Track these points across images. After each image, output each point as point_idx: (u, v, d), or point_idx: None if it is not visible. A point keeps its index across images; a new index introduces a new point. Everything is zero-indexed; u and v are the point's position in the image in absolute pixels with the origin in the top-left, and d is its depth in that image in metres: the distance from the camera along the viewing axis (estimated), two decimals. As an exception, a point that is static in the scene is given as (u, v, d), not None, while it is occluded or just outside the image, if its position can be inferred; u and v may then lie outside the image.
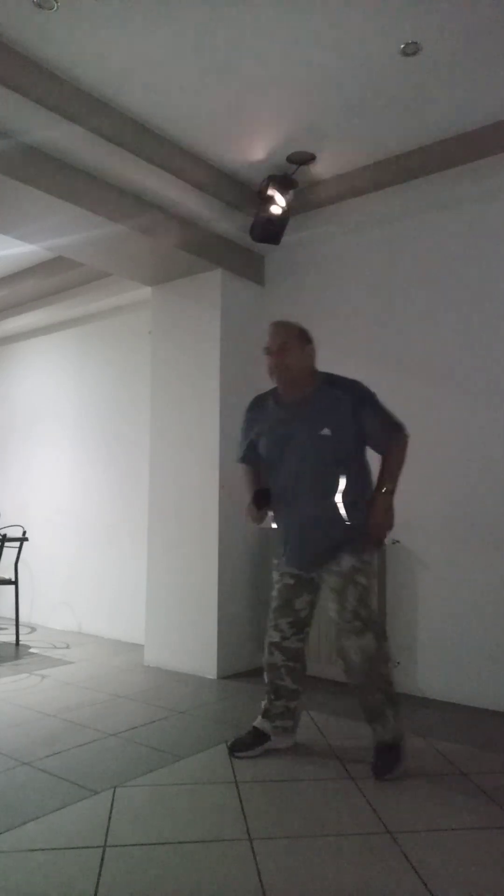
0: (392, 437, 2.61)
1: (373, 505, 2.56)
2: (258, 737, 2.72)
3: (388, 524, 2.57)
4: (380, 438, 2.61)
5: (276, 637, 2.70)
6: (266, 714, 2.75)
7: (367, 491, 2.61)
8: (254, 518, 2.75)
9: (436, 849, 1.96)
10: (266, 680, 2.75)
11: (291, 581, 2.68)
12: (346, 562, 2.53)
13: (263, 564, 4.11)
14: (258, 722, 2.76)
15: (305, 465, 2.58)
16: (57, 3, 2.53)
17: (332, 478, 2.56)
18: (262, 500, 2.69)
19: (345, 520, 2.54)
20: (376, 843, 2.00)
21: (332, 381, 2.66)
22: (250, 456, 2.79)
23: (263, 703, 2.78)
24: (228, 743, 2.74)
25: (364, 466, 2.65)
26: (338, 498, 2.55)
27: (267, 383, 2.78)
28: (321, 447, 2.56)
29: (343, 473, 2.56)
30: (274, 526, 2.78)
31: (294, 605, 2.68)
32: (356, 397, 2.60)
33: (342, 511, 2.55)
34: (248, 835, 2.04)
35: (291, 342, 2.64)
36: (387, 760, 2.49)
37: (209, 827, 2.10)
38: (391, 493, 2.57)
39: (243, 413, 2.85)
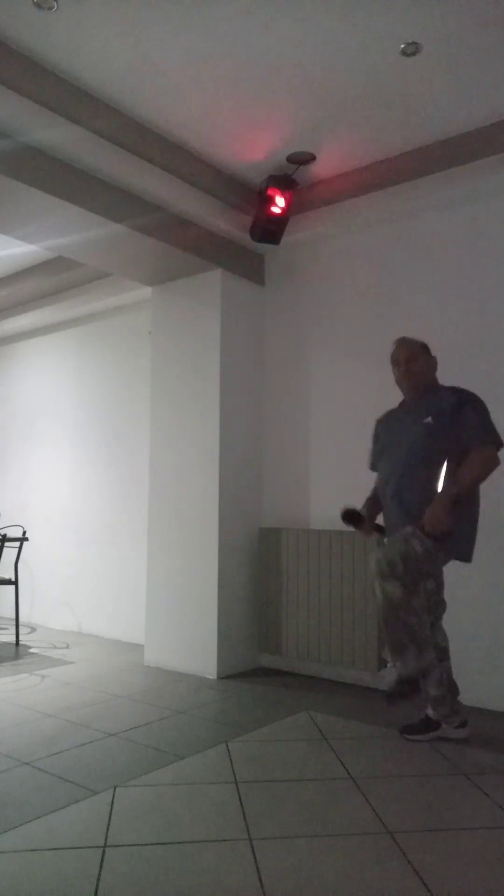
0: (478, 442, 2.66)
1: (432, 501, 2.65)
2: (429, 723, 2.91)
3: (437, 522, 2.59)
4: (469, 441, 2.67)
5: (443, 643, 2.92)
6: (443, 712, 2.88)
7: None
8: (363, 533, 3.03)
9: (436, 849, 1.96)
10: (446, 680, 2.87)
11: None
12: (408, 528, 2.66)
13: (263, 564, 4.11)
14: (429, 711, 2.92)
15: (404, 453, 2.78)
16: (57, 3, 2.54)
17: (421, 468, 2.72)
18: (349, 518, 2.93)
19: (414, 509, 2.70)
20: (376, 843, 2.00)
21: (451, 388, 2.85)
22: (376, 463, 3.03)
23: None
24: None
25: (451, 472, 2.71)
26: (417, 488, 2.71)
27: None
28: (420, 436, 2.75)
29: (430, 467, 2.70)
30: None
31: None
32: (462, 399, 2.75)
33: (415, 502, 2.71)
34: (248, 835, 2.04)
35: (416, 352, 2.93)
36: (403, 689, 2.62)
37: (209, 827, 2.10)
38: (450, 496, 2.61)
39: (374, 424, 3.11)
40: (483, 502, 3.44)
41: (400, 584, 2.64)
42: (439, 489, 2.68)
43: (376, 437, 3.07)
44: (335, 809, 2.22)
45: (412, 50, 2.80)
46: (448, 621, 3.59)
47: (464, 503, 2.69)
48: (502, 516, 3.39)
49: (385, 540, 2.89)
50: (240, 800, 2.28)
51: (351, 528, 3.00)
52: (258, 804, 2.25)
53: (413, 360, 2.92)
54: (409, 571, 2.64)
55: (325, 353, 4.16)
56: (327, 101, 3.17)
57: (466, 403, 2.73)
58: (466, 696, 3.40)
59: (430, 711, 2.90)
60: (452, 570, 3.54)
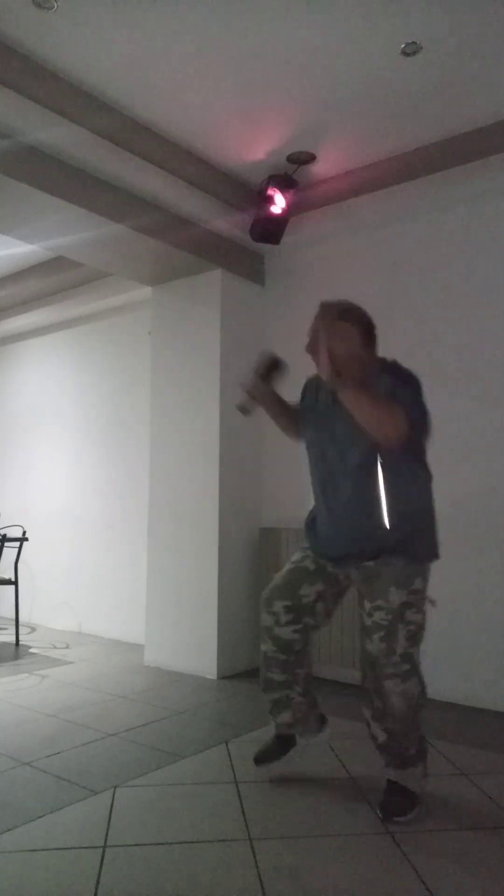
0: (401, 405, 2.19)
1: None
2: (282, 743, 2.45)
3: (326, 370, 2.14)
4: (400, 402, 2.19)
5: (268, 621, 2.36)
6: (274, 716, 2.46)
7: (416, 501, 2.32)
8: (252, 394, 2.43)
9: (435, 849, 1.96)
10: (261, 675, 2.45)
11: (312, 567, 2.36)
12: (395, 596, 2.17)
13: (263, 564, 4.11)
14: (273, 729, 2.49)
15: (344, 461, 2.30)
16: (57, 3, 2.53)
17: (372, 478, 2.26)
18: (269, 365, 2.41)
19: (384, 527, 2.22)
20: (376, 843, 1.99)
21: (382, 367, 2.39)
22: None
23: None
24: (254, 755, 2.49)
25: (416, 472, 2.35)
26: (378, 500, 2.24)
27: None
28: (361, 440, 2.23)
29: (387, 473, 2.26)
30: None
31: (299, 590, 2.33)
32: (398, 379, 2.29)
33: (382, 516, 2.23)
34: (248, 835, 2.04)
35: (334, 325, 2.32)
36: (401, 803, 2.18)
37: (209, 827, 2.10)
38: (348, 389, 2.15)
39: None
40: (481, 502, 3.45)
41: (417, 678, 2.21)
42: (412, 498, 2.30)
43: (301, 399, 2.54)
44: (335, 809, 2.22)
45: (412, 50, 2.80)
46: (448, 621, 3.60)
47: (419, 505, 2.32)
48: (501, 516, 3.39)
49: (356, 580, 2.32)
50: (240, 800, 2.28)
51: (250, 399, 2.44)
52: (258, 804, 2.25)
53: (331, 333, 2.30)
54: (418, 651, 2.22)
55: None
56: (327, 101, 3.17)
57: (401, 383, 2.30)
58: (466, 696, 3.41)
59: (274, 730, 2.47)
60: (453, 571, 3.55)
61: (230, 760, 2.64)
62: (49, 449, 5.83)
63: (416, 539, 2.27)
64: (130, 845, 1.98)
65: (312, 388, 2.54)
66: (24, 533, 5.03)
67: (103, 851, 1.94)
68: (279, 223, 3.85)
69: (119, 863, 1.88)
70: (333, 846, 1.98)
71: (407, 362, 3.75)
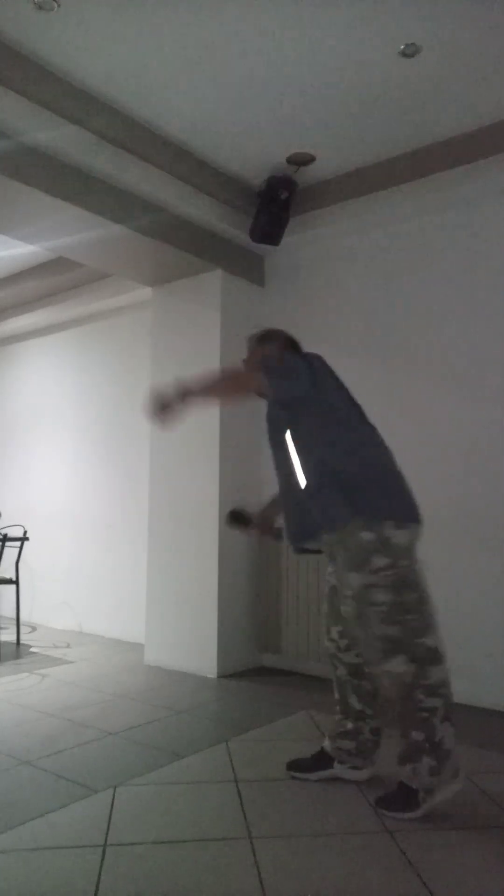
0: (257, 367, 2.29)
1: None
2: (320, 758, 2.43)
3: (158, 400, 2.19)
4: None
5: (331, 649, 2.40)
6: (333, 734, 2.43)
7: (337, 465, 2.22)
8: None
9: (436, 849, 1.97)
10: (336, 696, 2.44)
11: (333, 581, 2.35)
12: (355, 581, 2.16)
13: (263, 564, 4.12)
14: (325, 742, 2.46)
15: (276, 455, 2.40)
16: (57, 3, 2.54)
17: (287, 455, 2.32)
18: (235, 520, 2.61)
19: (311, 507, 2.23)
20: (376, 843, 2.00)
21: None
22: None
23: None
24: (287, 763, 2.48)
25: (330, 437, 2.26)
26: (302, 481, 2.25)
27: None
28: (277, 428, 2.36)
29: (297, 447, 2.29)
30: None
31: (340, 610, 2.29)
32: None
33: (309, 497, 2.24)
34: (249, 835, 2.04)
35: (251, 349, 2.54)
36: (397, 799, 2.14)
37: (209, 827, 2.10)
38: (191, 389, 2.18)
39: None
40: (480, 502, 3.45)
41: (403, 655, 2.11)
42: (337, 470, 2.23)
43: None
44: (335, 809, 2.22)
45: (412, 50, 2.80)
46: (448, 621, 3.59)
47: (362, 463, 2.25)
48: (501, 516, 3.39)
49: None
50: (240, 799, 2.29)
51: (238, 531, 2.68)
52: (258, 804, 2.25)
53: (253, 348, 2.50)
54: (404, 629, 2.13)
55: (324, 353, 4.14)
56: (327, 102, 3.17)
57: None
58: (466, 696, 3.41)
59: (326, 744, 2.45)
60: (452, 571, 3.55)
61: (230, 759, 2.64)
62: (49, 449, 5.83)
63: (345, 502, 2.16)
64: (130, 845, 1.98)
65: None
66: (25, 533, 5.03)
67: (103, 851, 1.94)
68: (279, 224, 3.85)
69: (119, 863, 1.88)
70: (333, 846, 1.98)
71: (407, 362, 3.78)
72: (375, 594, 2.14)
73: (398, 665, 2.12)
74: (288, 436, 2.32)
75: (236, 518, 2.60)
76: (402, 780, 2.16)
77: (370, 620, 2.14)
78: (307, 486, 2.24)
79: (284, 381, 2.26)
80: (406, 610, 2.15)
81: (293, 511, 2.34)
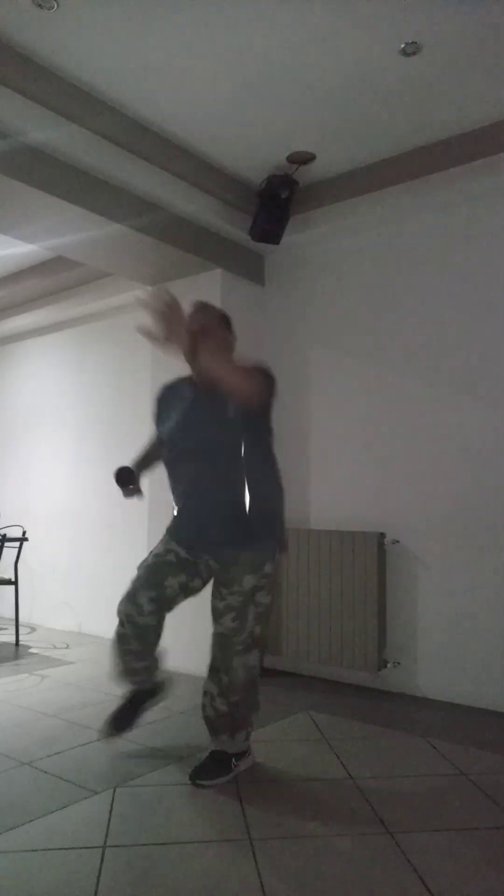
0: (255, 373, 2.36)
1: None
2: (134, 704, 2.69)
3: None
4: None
5: (130, 609, 2.53)
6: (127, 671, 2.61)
7: (272, 490, 2.48)
8: (124, 493, 2.79)
9: (436, 849, 1.96)
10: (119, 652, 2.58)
11: (174, 559, 2.51)
12: (249, 582, 2.41)
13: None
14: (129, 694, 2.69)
15: (210, 448, 2.44)
16: (57, 3, 2.53)
17: (235, 462, 2.41)
18: (123, 477, 2.74)
19: (245, 509, 2.37)
20: (376, 843, 2.00)
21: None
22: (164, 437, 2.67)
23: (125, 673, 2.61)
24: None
25: (271, 463, 2.50)
26: (240, 482, 2.39)
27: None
28: (232, 431, 2.41)
29: (247, 460, 2.41)
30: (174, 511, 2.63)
31: (164, 581, 2.49)
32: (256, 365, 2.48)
33: (244, 498, 2.38)
34: (248, 835, 2.04)
35: (214, 322, 2.51)
36: (212, 768, 2.44)
37: (209, 827, 2.10)
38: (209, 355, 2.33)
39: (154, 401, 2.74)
40: (481, 502, 3.45)
41: (257, 650, 2.50)
42: (269, 486, 2.46)
43: (157, 415, 2.67)
44: (335, 809, 2.22)
45: (412, 50, 2.80)
46: (448, 621, 3.60)
47: (270, 488, 2.46)
48: (501, 516, 3.39)
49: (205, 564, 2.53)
50: (240, 800, 2.28)
51: (122, 488, 2.79)
52: (258, 804, 2.25)
53: (207, 332, 2.45)
54: (264, 629, 2.56)
55: (325, 353, 4.16)
56: (327, 101, 3.17)
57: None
58: (466, 696, 3.41)
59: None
60: (452, 571, 3.55)
61: (238, 769, 2.63)
62: (49, 449, 5.83)
63: (275, 524, 2.49)
64: (130, 845, 1.98)
65: (167, 392, 2.70)
66: (24, 533, 5.03)
67: (103, 851, 1.94)
68: (279, 223, 3.85)
69: (119, 863, 1.88)
70: (332, 846, 1.98)
71: (407, 361, 3.78)
72: (260, 596, 2.45)
73: (254, 658, 2.49)
74: (243, 441, 2.42)
75: (125, 477, 2.75)
76: (220, 750, 2.47)
77: (248, 618, 2.44)
78: (254, 497, 2.40)
79: (267, 391, 2.40)
80: (269, 612, 2.47)
81: (216, 508, 2.44)
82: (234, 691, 2.46)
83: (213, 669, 2.52)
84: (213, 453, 2.44)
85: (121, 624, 2.56)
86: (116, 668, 2.61)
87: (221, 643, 2.48)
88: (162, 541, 2.60)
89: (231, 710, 2.47)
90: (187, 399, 2.54)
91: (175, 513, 2.59)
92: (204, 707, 2.54)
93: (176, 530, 2.56)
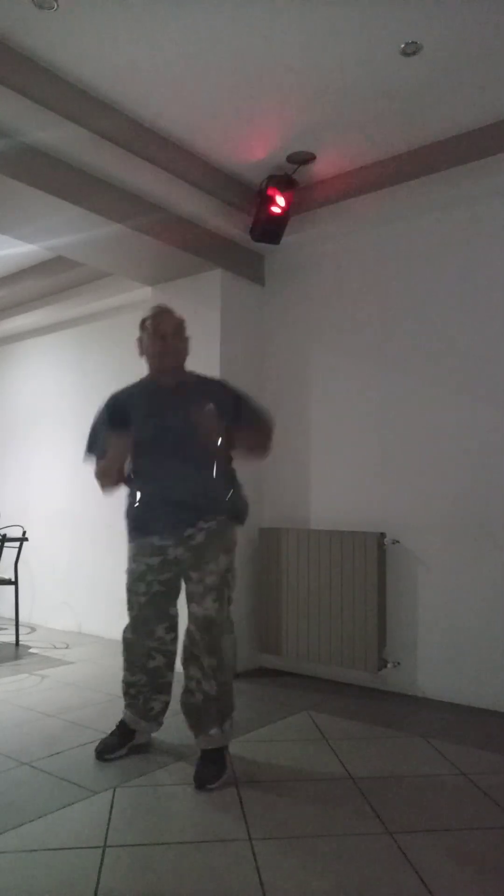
0: (263, 419, 2.71)
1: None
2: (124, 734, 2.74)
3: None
4: (251, 420, 2.67)
5: (155, 646, 2.68)
6: (147, 714, 2.72)
7: (232, 483, 2.70)
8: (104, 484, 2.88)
9: (436, 849, 1.96)
10: (146, 680, 2.70)
11: (155, 580, 2.65)
12: (223, 561, 2.55)
13: (263, 564, 4.11)
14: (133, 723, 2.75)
15: (179, 446, 2.59)
16: (57, 3, 2.53)
17: (204, 459, 2.59)
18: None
19: (212, 493, 2.60)
20: (376, 843, 2.00)
21: (203, 376, 2.79)
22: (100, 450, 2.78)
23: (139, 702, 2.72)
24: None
25: (230, 461, 2.72)
26: (207, 474, 2.60)
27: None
28: (194, 430, 2.53)
29: (213, 457, 2.61)
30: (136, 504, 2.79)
31: (169, 611, 2.68)
32: (232, 393, 2.71)
33: (211, 486, 2.60)
34: (248, 835, 2.04)
35: (182, 328, 2.71)
36: (213, 769, 2.44)
37: (209, 827, 2.10)
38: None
39: (102, 411, 2.86)
40: (481, 502, 3.45)
41: (232, 633, 2.60)
42: (231, 479, 2.69)
43: (118, 420, 2.71)
44: (335, 809, 2.22)
45: (412, 50, 2.80)
46: (448, 621, 3.60)
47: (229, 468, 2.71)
48: (501, 516, 3.39)
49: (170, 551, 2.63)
50: (240, 800, 2.28)
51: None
52: (258, 804, 2.25)
53: (179, 336, 2.69)
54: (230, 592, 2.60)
55: (325, 353, 4.16)
56: (327, 101, 3.17)
57: (239, 396, 2.72)
58: (466, 696, 3.41)
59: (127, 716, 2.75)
60: (452, 571, 3.55)
61: (231, 760, 2.63)
62: (49, 449, 5.82)
63: (238, 502, 2.68)
64: (130, 845, 1.98)
65: (125, 398, 2.87)
66: (24, 533, 5.03)
67: (103, 851, 1.94)
68: (279, 223, 3.85)
69: (119, 863, 1.88)
70: (333, 846, 1.98)
71: (407, 361, 3.78)
72: (230, 577, 2.57)
73: (231, 641, 2.56)
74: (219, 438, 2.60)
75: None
76: (214, 750, 2.48)
77: (225, 597, 2.53)
78: (219, 476, 2.62)
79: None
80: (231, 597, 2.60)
81: (189, 485, 2.58)
82: (223, 671, 2.51)
83: (192, 657, 2.54)
84: (191, 444, 2.56)
85: (150, 658, 2.68)
86: (145, 708, 2.72)
87: (206, 626, 2.49)
88: (133, 557, 2.72)
89: (220, 690, 2.51)
90: (161, 399, 2.70)
91: (138, 508, 2.74)
92: (190, 694, 2.54)
93: (145, 526, 2.68)
